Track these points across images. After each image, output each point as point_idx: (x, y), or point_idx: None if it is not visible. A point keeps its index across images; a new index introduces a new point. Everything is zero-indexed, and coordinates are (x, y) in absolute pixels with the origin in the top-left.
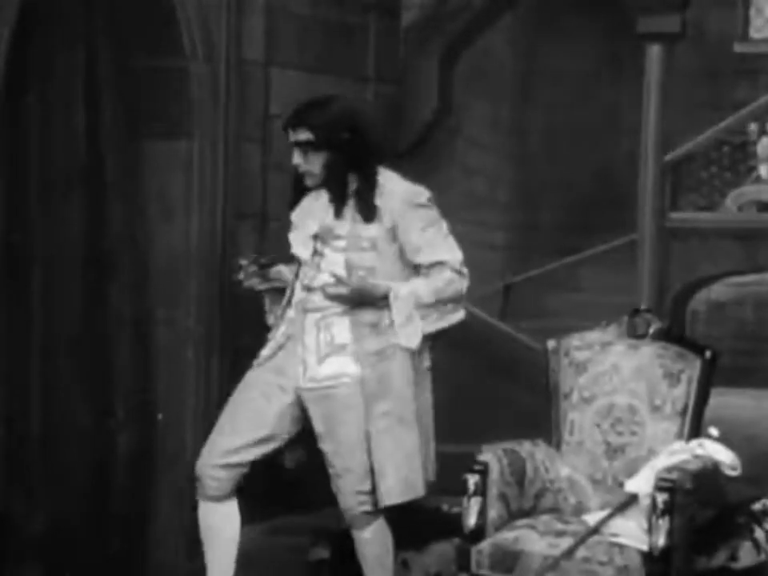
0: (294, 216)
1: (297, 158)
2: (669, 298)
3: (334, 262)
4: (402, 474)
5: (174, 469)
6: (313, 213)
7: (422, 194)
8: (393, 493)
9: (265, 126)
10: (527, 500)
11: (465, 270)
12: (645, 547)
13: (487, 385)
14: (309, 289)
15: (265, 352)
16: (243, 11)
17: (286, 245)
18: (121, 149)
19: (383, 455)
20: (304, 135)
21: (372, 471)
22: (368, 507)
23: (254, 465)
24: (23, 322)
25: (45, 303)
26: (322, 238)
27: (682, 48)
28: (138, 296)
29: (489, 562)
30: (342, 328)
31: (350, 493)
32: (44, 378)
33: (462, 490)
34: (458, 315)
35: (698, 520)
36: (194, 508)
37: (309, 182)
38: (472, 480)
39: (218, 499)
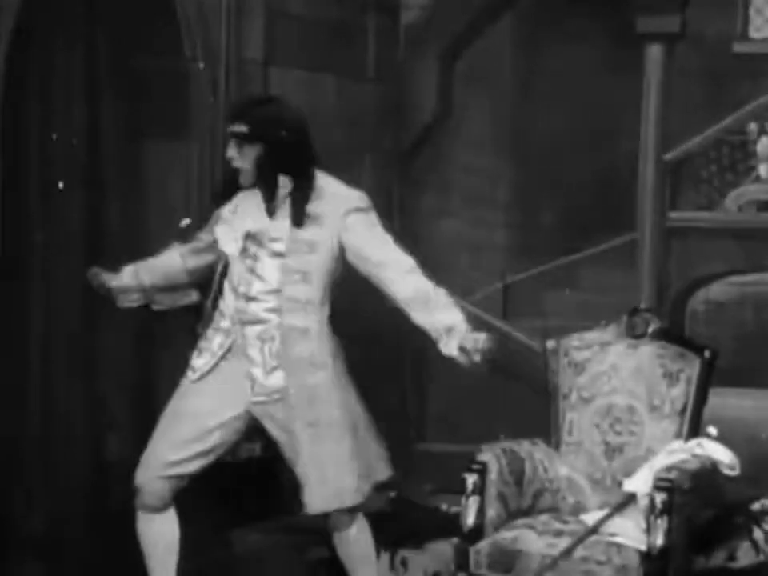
0: (225, 210)
1: (231, 151)
2: (668, 297)
3: (270, 267)
4: (327, 483)
5: None
6: (246, 211)
7: (363, 198)
8: (314, 503)
9: None
10: (526, 500)
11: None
12: (643, 547)
13: (486, 385)
14: (247, 298)
15: (200, 363)
16: (243, 12)
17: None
18: (121, 149)
19: (305, 460)
20: (240, 128)
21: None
22: (337, 504)
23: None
24: (22, 322)
25: (44, 303)
26: (257, 239)
27: (681, 48)
28: None
29: (487, 562)
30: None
31: (314, 488)
32: (43, 378)
33: (461, 489)
34: None
35: (697, 520)
36: (195, 508)
37: (242, 179)
38: (471, 479)
39: (157, 509)
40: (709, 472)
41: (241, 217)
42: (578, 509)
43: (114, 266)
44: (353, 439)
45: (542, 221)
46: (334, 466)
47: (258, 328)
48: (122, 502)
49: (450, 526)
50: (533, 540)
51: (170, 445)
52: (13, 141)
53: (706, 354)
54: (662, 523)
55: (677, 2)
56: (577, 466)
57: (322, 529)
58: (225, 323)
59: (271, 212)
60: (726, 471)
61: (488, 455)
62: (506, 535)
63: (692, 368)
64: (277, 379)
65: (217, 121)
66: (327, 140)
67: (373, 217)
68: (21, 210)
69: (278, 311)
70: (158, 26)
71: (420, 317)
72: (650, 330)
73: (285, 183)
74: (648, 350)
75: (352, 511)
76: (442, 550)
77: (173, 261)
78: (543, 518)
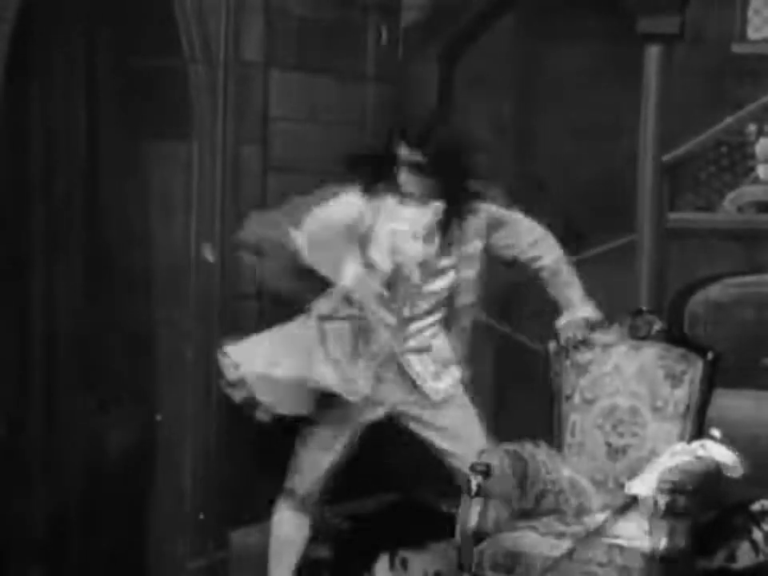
0: (398, 226)
1: (403, 176)
2: (667, 298)
3: (431, 284)
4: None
5: (173, 469)
6: (406, 231)
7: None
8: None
9: (264, 127)
10: (528, 501)
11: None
12: (645, 548)
13: (488, 386)
14: (408, 318)
15: (364, 386)
16: (242, 11)
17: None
18: (120, 149)
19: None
20: (416, 158)
21: None
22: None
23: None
24: (23, 322)
25: (45, 303)
26: (423, 264)
27: (680, 49)
28: (137, 296)
29: (490, 563)
30: (440, 345)
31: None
32: (44, 378)
33: (465, 490)
34: None
35: (699, 521)
36: (195, 508)
37: (409, 199)
38: (475, 481)
39: (301, 509)
40: (712, 474)
41: (401, 237)
42: (581, 510)
43: (114, 267)
44: None
45: (540, 221)
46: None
47: (414, 341)
48: (123, 502)
49: (450, 526)
50: (535, 541)
51: (322, 452)
52: (12, 141)
53: (709, 355)
54: (664, 525)
55: (676, 3)
56: (580, 467)
57: (324, 527)
58: (380, 338)
59: (433, 232)
60: (730, 473)
61: (492, 456)
62: (508, 536)
63: (695, 369)
64: (446, 379)
65: (216, 121)
66: (327, 140)
67: (506, 214)
68: (21, 210)
69: (433, 326)
70: (156, 26)
71: (551, 291)
72: (652, 331)
73: (441, 205)
74: (651, 352)
75: None
76: (443, 550)
77: None
78: (546, 519)
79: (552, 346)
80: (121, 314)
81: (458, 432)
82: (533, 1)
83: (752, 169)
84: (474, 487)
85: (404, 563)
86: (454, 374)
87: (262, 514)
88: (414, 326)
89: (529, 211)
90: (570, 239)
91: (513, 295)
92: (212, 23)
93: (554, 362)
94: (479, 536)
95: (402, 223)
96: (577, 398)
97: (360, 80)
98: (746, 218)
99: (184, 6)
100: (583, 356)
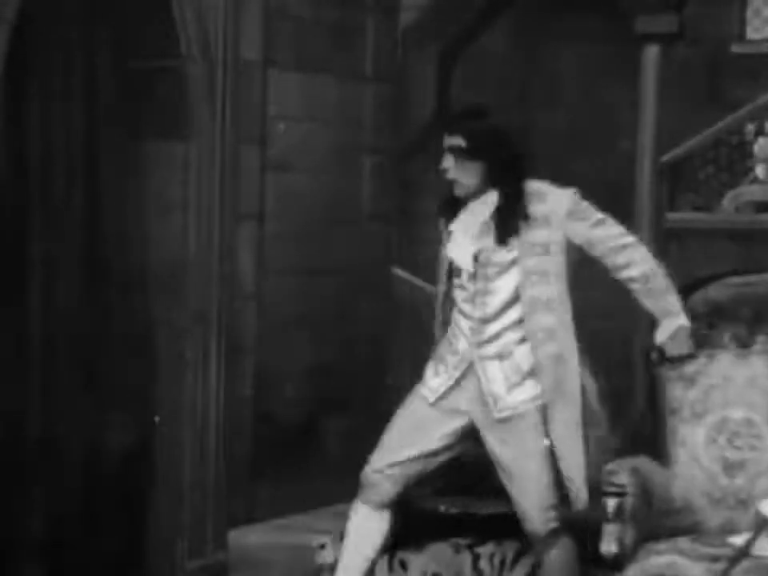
0: (453, 227)
1: (447, 163)
2: None
3: (502, 282)
4: (586, 476)
5: (173, 469)
6: (468, 227)
7: (577, 194)
8: (581, 496)
9: (263, 127)
10: (653, 521)
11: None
12: None
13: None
14: (482, 320)
15: (436, 384)
16: (241, 11)
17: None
18: (119, 149)
19: (569, 461)
20: (457, 141)
21: (554, 483)
22: (554, 524)
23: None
24: (22, 322)
25: (44, 303)
26: (484, 255)
27: (679, 49)
28: (136, 296)
29: None
30: (523, 353)
31: (535, 512)
32: (43, 378)
33: (464, 490)
34: None
35: None
36: (195, 508)
37: (457, 191)
38: (611, 503)
39: (378, 506)
40: None
41: (465, 233)
42: (697, 531)
43: (113, 266)
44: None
45: None
46: (583, 463)
47: (494, 346)
48: (122, 502)
49: (449, 526)
50: (689, 566)
51: (398, 447)
52: (12, 141)
53: None
54: None
55: (674, 3)
56: (694, 484)
57: (331, 532)
58: (460, 345)
59: (487, 223)
60: None
61: (624, 476)
62: (658, 562)
63: None
64: (520, 393)
65: (214, 121)
66: (327, 140)
67: (590, 210)
68: (20, 210)
69: (512, 328)
70: (155, 26)
71: (645, 301)
72: (757, 338)
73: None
74: (760, 360)
75: (560, 530)
76: (442, 551)
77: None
78: (684, 541)
79: (654, 356)
80: (119, 314)
81: (510, 467)
82: (532, 1)
83: (751, 168)
84: (611, 510)
85: (403, 564)
86: (529, 390)
87: (260, 514)
88: (490, 329)
89: None
90: None
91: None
92: (211, 23)
93: (658, 373)
94: (618, 562)
95: (459, 220)
96: (686, 412)
97: (359, 80)
98: (745, 217)
99: (183, 5)
100: (689, 367)
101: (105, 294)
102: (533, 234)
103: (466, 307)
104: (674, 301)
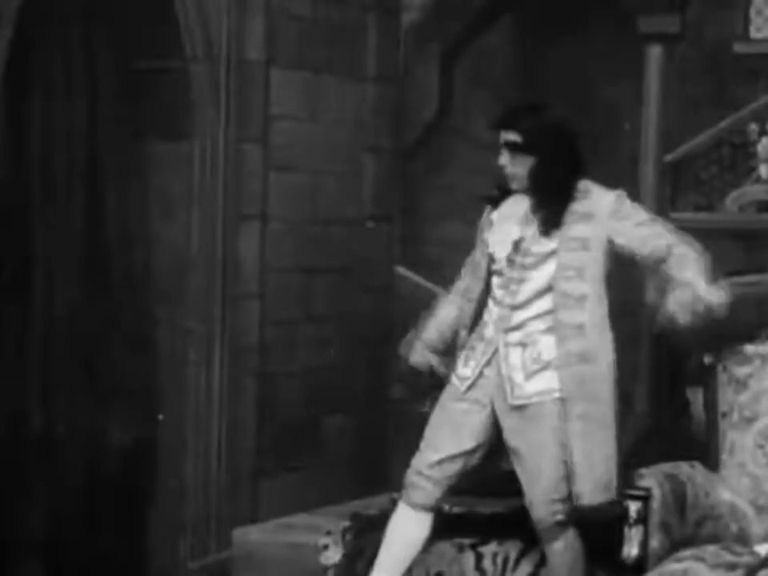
0: (495, 215)
1: (503, 159)
2: None
3: (537, 273)
4: (597, 475)
5: (174, 468)
6: (513, 217)
7: (622, 195)
8: (584, 493)
9: (265, 127)
10: (688, 528)
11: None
12: None
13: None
14: (512, 307)
15: (467, 372)
16: (243, 12)
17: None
18: (121, 149)
19: (578, 457)
20: (513, 137)
21: (567, 477)
22: (560, 517)
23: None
24: (23, 322)
25: (46, 303)
26: (524, 246)
27: (682, 48)
28: (138, 296)
29: None
30: (547, 344)
31: (542, 502)
32: (44, 378)
33: (463, 490)
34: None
35: None
36: (197, 508)
37: (514, 185)
38: (634, 507)
39: (419, 508)
40: None
41: (507, 223)
42: (742, 537)
43: (115, 266)
44: (616, 435)
45: None
46: (604, 459)
47: (520, 332)
48: (123, 502)
49: (451, 526)
50: (704, 573)
51: (433, 447)
52: (13, 141)
53: None
54: None
55: (677, 3)
56: (740, 490)
57: (337, 532)
58: (488, 332)
59: (528, 214)
60: None
61: (650, 480)
62: (674, 567)
63: None
64: (537, 383)
65: (217, 121)
66: (327, 140)
67: (635, 210)
68: (22, 210)
69: (540, 317)
70: (158, 26)
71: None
72: None
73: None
74: None
75: (566, 523)
76: (445, 550)
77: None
78: (711, 548)
79: (707, 358)
80: (122, 314)
81: (523, 456)
82: (532, 1)
83: (754, 168)
84: (633, 514)
85: None
86: (547, 381)
87: (263, 513)
88: (517, 316)
89: None
90: None
91: None
92: (213, 23)
93: (710, 376)
94: (640, 567)
95: (501, 210)
96: (735, 416)
97: (361, 79)
98: (747, 217)
99: (185, 6)
100: (740, 369)
101: (107, 293)
102: (573, 229)
103: (499, 293)
104: (698, 271)
